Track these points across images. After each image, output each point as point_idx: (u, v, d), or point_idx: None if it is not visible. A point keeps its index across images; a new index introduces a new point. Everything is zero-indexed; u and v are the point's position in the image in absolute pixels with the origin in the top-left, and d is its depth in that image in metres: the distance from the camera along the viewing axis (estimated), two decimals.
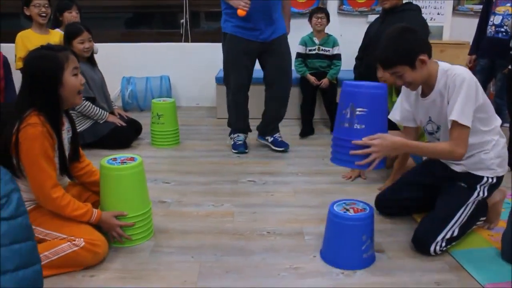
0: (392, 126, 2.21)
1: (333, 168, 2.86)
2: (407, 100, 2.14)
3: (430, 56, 1.92)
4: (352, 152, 1.83)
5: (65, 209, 1.80)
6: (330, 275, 1.81)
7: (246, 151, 3.40)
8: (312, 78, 4.01)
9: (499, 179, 2.03)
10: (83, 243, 1.77)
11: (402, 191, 2.27)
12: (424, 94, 2.03)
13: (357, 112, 1.81)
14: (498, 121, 2.02)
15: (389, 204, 2.30)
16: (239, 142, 3.42)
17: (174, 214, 2.32)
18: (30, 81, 1.80)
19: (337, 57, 4.08)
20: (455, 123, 1.85)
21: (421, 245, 1.95)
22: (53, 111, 1.81)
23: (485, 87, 3.62)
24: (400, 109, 2.17)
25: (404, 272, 1.83)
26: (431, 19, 4.74)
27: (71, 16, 3.74)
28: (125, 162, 2.01)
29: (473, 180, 2.01)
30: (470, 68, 3.68)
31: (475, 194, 1.99)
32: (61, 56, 1.82)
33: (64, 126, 1.93)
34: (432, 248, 1.91)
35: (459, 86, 1.84)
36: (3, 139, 1.77)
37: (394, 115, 2.20)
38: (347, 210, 1.88)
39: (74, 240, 1.77)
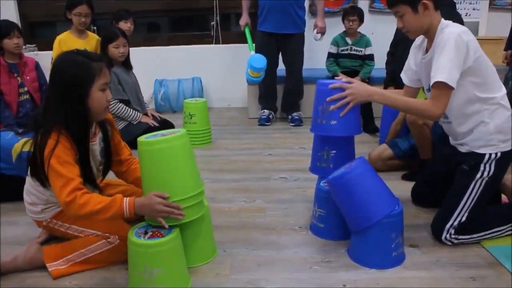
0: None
1: None
2: (414, 58, 2.10)
3: (436, 7, 1.87)
4: (332, 107, 1.90)
5: (86, 207, 1.61)
6: (363, 269, 1.79)
7: (267, 124, 4.16)
8: (343, 77, 3.98)
9: (506, 153, 1.91)
10: (118, 241, 1.80)
11: (429, 182, 2.28)
12: (426, 51, 1.98)
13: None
14: (502, 91, 1.91)
15: (423, 196, 2.33)
16: (263, 117, 4.23)
17: None
18: (58, 87, 1.70)
19: (370, 57, 4.05)
20: (435, 81, 1.79)
21: (435, 235, 1.99)
22: (77, 123, 1.71)
23: None
24: (406, 68, 2.14)
25: (438, 267, 1.80)
26: (466, 15, 4.64)
27: (126, 26, 3.86)
28: (165, 135, 1.73)
29: (475, 160, 1.92)
30: (506, 64, 3.59)
31: (479, 174, 1.90)
32: (95, 67, 1.70)
33: (96, 136, 1.88)
34: (443, 237, 1.94)
35: (443, 45, 1.79)
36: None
37: (403, 75, 2.16)
38: None
39: (109, 238, 1.81)
